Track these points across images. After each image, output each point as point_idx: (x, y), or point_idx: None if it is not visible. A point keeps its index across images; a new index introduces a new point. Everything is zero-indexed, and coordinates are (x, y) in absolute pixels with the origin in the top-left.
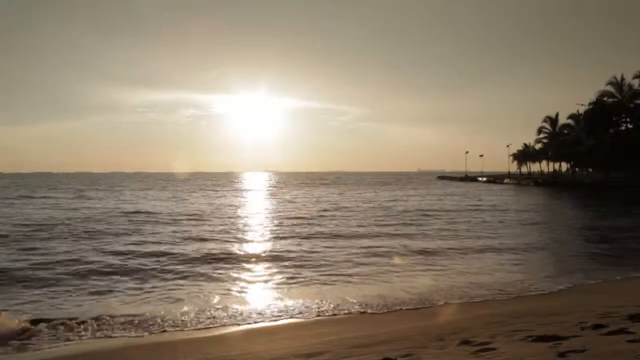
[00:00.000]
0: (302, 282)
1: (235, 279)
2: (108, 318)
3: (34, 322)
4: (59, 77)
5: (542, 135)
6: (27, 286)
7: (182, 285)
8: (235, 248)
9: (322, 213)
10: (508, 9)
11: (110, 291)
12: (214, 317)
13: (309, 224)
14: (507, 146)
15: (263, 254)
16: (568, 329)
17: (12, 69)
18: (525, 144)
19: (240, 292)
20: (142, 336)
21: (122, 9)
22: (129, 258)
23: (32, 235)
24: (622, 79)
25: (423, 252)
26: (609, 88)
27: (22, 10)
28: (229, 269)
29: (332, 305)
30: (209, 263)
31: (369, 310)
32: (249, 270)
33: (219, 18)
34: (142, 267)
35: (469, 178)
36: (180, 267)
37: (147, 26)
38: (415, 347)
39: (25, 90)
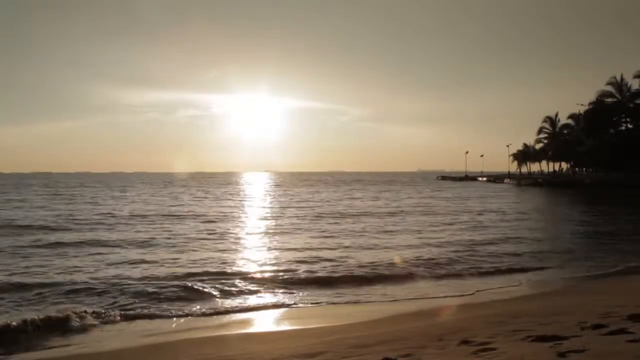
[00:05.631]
0: None
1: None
2: None
3: None
4: (59, 77)
5: (542, 135)
6: None
7: None
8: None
9: None
10: (508, 8)
11: None
12: None
13: None
14: (507, 146)
15: None
16: (568, 329)
17: (12, 69)
18: (525, 144)
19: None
20: (142, 337)
21: (122, 9)
22: None
23: None
24: (622, 79)
25: None
26: (609, 88)
27: (22, 10)
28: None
29: None
30: None
31: None
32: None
33: (219, 18)
34: None
35: (469, 178)
36: None
37: (147, 26)
38: (415, 347)
39: (25, 90)
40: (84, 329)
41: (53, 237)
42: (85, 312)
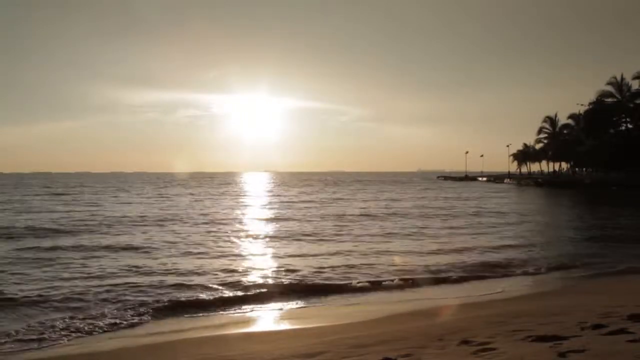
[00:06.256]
0: None
1: None
2: None
3: None
4: (59, 77)
5: (542, 135)
6: None
7: None
8: None
9: None
10: (508, 8)
11: None
12: None
13: None
14: (507, 146)
15: None
16: (568, 329)
17: (12, 69)
18: (525, 144)
19: None
20: (141, 336)
21: (122, 9)
22: None
23: None
24: (622, 79)
25: None
26: (609, 88)
27: (22, 11)
28: None
29: None
30: None
31: None
32: None
33: (219, 18)
34: None
35: (469, 178)
36: None
37: (147, 26)
38: (415, 347)
39: (25, 90)
40: (85, 330)
41: (50, 242)
42: (88, 313)
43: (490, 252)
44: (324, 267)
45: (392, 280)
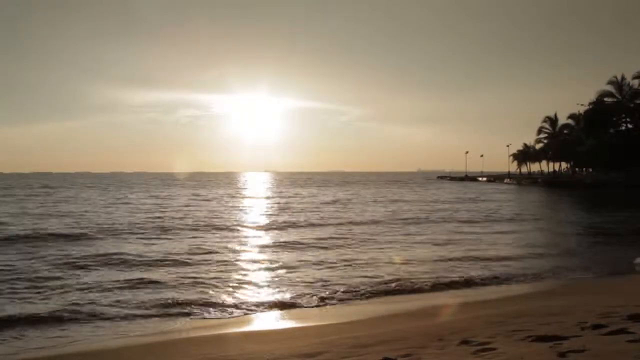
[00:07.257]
0: None
1: None
2: None
3: None
4: (59, 77)
5: (542, 135)
6: None
7: None
8: None
9: None
10: (508, 8)
11: None
12: None
13: None
14: (507, 146)
15: None
16: (568, 329)
17: (12, 69)
18: (525, 144)
19: None
20: (142, 336)
21: (122, 9)
22: None
23: None
24: (622, 79)
25: None
26: (609, 88)
27: (22, 11)
28: None
29: None
30: None
31: None
32: None
33: (219, 18)
34: None
35: (469, 178)
36: None
37: (147, 26)
38: (415, 347)
39: (25, 90)
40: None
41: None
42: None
43: (493, 257)
44: (326, 277)
45: (395, 285)
